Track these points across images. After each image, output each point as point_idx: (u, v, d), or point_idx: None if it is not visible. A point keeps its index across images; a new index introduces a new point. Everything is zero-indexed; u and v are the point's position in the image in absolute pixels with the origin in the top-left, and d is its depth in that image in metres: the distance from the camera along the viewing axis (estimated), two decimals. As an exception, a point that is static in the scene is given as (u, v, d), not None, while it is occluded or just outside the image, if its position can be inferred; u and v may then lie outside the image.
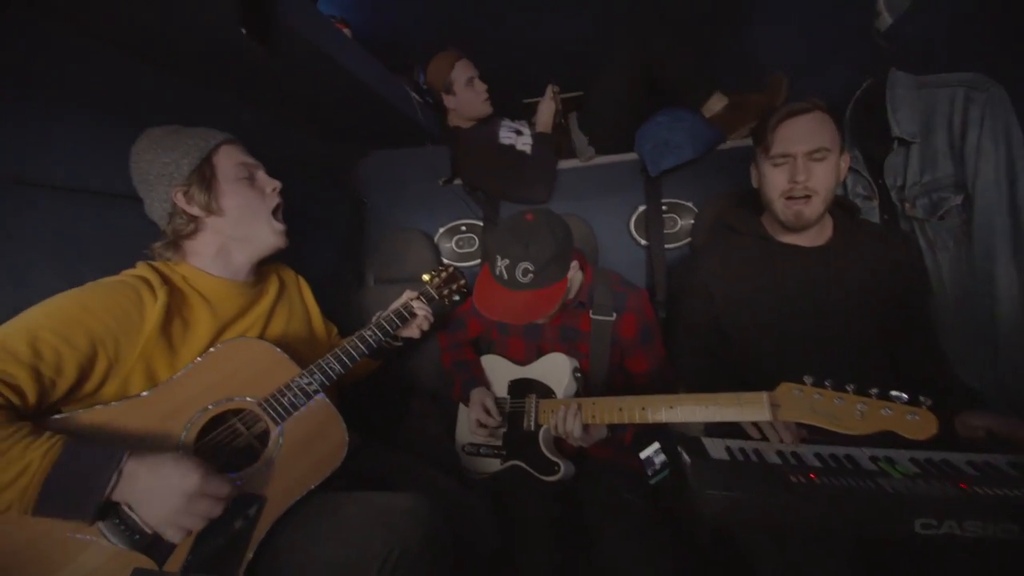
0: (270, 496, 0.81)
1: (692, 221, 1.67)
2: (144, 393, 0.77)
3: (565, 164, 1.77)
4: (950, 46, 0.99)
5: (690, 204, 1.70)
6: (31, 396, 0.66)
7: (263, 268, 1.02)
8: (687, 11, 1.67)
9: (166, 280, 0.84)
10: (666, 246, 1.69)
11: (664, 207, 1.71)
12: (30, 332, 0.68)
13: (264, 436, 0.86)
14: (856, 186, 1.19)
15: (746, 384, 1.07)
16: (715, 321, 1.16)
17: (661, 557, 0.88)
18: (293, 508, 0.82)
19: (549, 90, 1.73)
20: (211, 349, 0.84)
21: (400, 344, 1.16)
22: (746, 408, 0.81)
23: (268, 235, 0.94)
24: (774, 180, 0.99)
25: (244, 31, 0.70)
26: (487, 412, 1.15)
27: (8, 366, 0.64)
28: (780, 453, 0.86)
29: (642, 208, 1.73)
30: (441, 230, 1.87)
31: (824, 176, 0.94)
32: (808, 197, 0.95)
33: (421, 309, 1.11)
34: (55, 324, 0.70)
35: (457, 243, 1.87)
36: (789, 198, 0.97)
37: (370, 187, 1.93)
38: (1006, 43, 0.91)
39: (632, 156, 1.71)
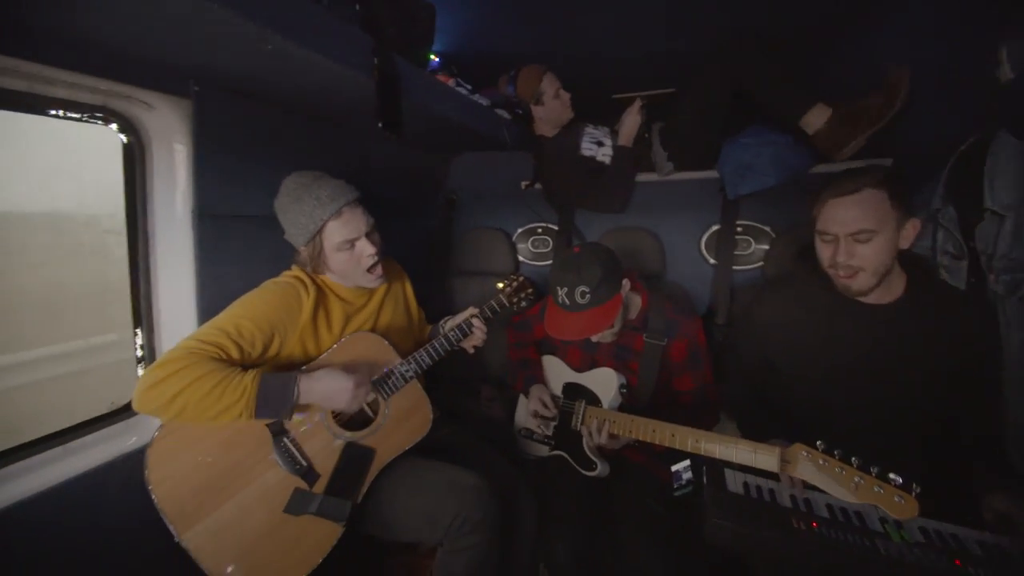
0: (378, 451, 1.11)
1: (767, 247, 1.66)
2: (303, 369, 1.08)
3: (643, 177, 1.81)
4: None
5: (767, 229, 1.69)
6: (236, 360, 0.99)
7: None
8: (787, 31, 1.57)
9: (313, 282, 1.14)
10: (736, 267, 1.72)
11: (739, 229, 1.72)
12: (235, 320, 1.01)
13: (374, 405, 1.16)
14: (947, 243, 1.14)
15: (788, 423, 1.16)
16: (767, 362, 1.22)
17: (670, 558, 1.05)
18: (390, 464, 1.13)
19: (636, 103, 1.76)
20: (342, 339, 1.14)
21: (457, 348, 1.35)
22: (760, 456, 0.93)
23: (364, 282, 1.18)
24: (821, 252, 1.04)
25: (380, 125, 0.91)
26: (544, 405, 1.36)
27: (224, 340, 0.97)
28: (793, 497, 0.97)
29: (716, 227, 1.75)
30: (519, 230, 2.06)
31: (871, 254, 0.96)
32: (854, 274, 0.99)
33: (479, 329, 1.30)
34: (250, 314, 1.02)
35: (533, 243, 2.04)
36: (834, 269, 1.01)
37: (460, 185, 2.15)
38: None
39: (712, 174, 1.71)
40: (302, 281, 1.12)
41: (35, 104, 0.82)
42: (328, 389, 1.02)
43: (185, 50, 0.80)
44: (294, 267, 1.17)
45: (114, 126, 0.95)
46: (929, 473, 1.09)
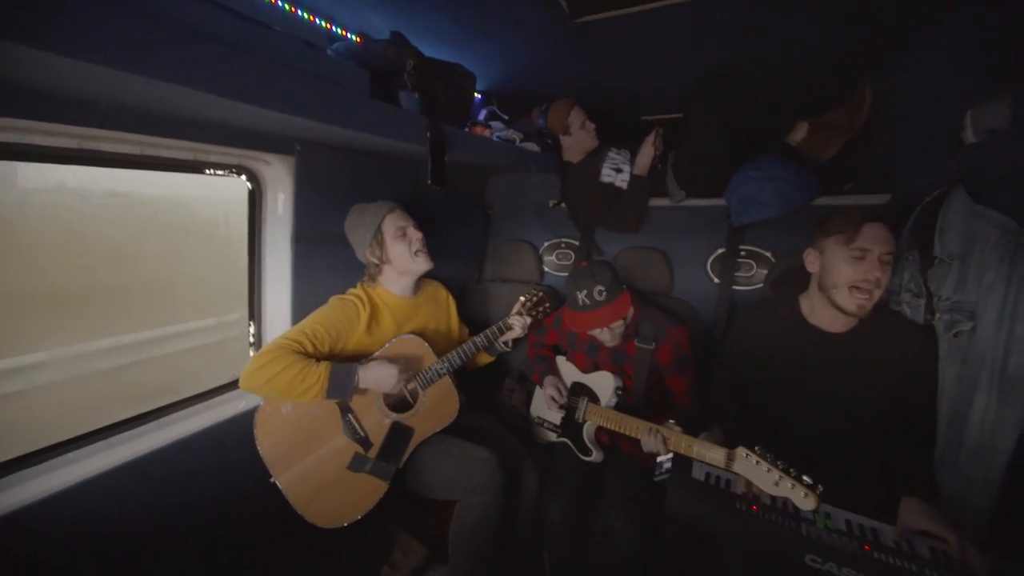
0: (416, 429, 1.43)
1: (767, 270, 1.83)
2: (362, 361, 1.41)
3: (656, 202, 2.02)
4: (1012, 189, 1.03)
5: (768, 254, 1.85)
6: (310, 352, 1.31)
7: (426, 287, 1.63)
8: (796, 68, 1.72)
9: (369, 298, 1.47)
10: (737, 288, 1.89)
11: (743, 253, 1.89)
12: (312, 326, 1.34)
13: (414, 393, 1.48)
14: (910, 283, 1.29)
15: (757, 424, 1.36)
16: (742, 373, 1.43)
17: (645, 529, 1.30)
18: (425, 440, 1.44)
19: (652, 135, 1.95)
20: (394, 339, 1.46)
21: (509, 349, 1.68)
22: (710, 455, 1.16)
23: (417, 266, 1.50)
24: (845, 270, 1.15)
25: (430, 183, 1.21)
26: (559, 391, 1.64)
27: (303, 339, 1.31)
28: (749, 486, 1.19)
29: (721, 251, 1.93)
30: (546, 244, 2.32)
31: (887, 276, 1.14)
32: (870, 292, 1.14)
33: (518, 322, 1.62)
34: (323, 322, 1.36)
35: (557, 256, 2.30)
36: (855, 288, 1.15)
37: (495, 201, 2.44)
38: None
39: (720, 202, 1.89)
40: (360, 299, 1.45)
41: (198, 167, 1.19)
42: (379, 375, 1.32)
43: (293, 129, 1.14)
44: (359, 285, 1.51)
45: (243, 177, 1.32)
46: (879, 479, 1.26)
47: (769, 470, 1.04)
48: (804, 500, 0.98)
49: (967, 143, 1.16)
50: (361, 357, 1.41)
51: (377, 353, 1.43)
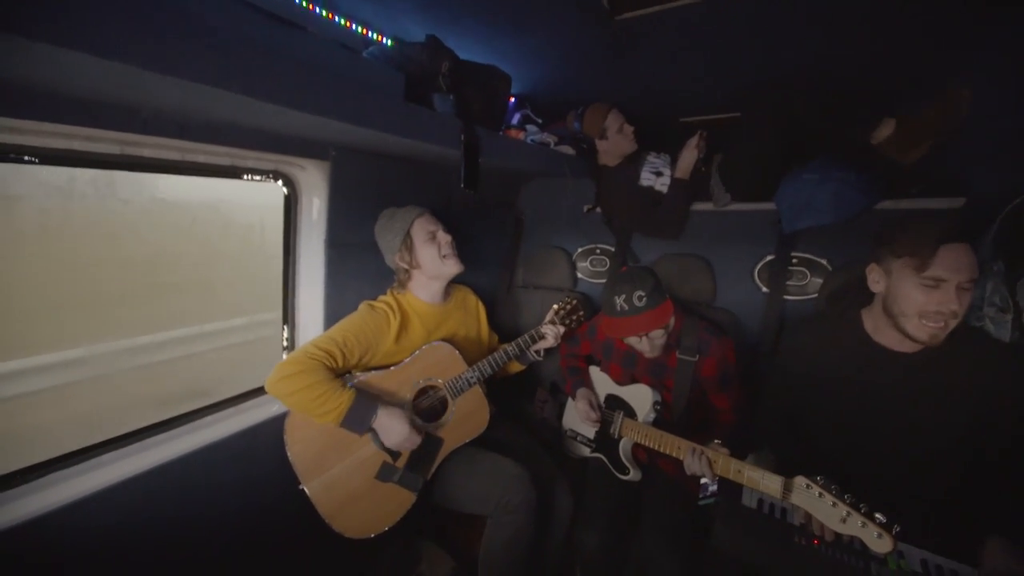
0: (446, 440, 1.39)
1: (822, 280, 1.69)
2: (392, 368, 1.39)
3: (699, 206, 1.91)
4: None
5: (824, 262, 1.71)
6: (340, 364, 1.30)
7: (455, 294, 1.59)
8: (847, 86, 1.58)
9: (399, 306, 1.44)
10: (788, 298, 1.76)
11: (795, 260, 1.76)
12: (342, 333, 1.32)
13: (444, 402, 1.44)
14: (994, 295, 1.15)
15: (808, 448, 1.24)
16: (795, 394, 1.31)
17: (687, 559, 1.21)
18: (454, 451, 1.40)
19: (695, 138, 1.86)
20: (424, 346, 1.43)
21: (540, 359, 1.63)
22: (765, 482, 1.05)
23: (447, 269, 1.46)
24: (916, 298, 1.00)
25: (463, 186, 1.18)
26: (591, 406, 1.55)
27: (333, 348, 1.28)
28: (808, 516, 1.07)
29: (770, 258, 1.80)
30: (579, 250, 2.24)
31: (966, 304, 0.98)
32: (946, 322, 0.98)
33: (551, 331, 1.56)
34: (353, 330, 1.33)
35: (591, 263, 2.22)
36: (926, 318, 1.00)
37: (528, 207, 2.39)
38: None
39: (769, 206, 1.76)
40: (391, 307, 1.42)
41: (236, 172, 1.21)
42: (393, 428, 1.26)
43: (328, 134, 1.13)
44: (388, 292, 1.49)
45: (280, 182, 1.33)
46: (949, 511, 1.12)
47: (835, 504, 0.93)
48: (877, 541, 0.87)
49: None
50: (390, 365, 1.39)
51: (407, 360, 1.40)
